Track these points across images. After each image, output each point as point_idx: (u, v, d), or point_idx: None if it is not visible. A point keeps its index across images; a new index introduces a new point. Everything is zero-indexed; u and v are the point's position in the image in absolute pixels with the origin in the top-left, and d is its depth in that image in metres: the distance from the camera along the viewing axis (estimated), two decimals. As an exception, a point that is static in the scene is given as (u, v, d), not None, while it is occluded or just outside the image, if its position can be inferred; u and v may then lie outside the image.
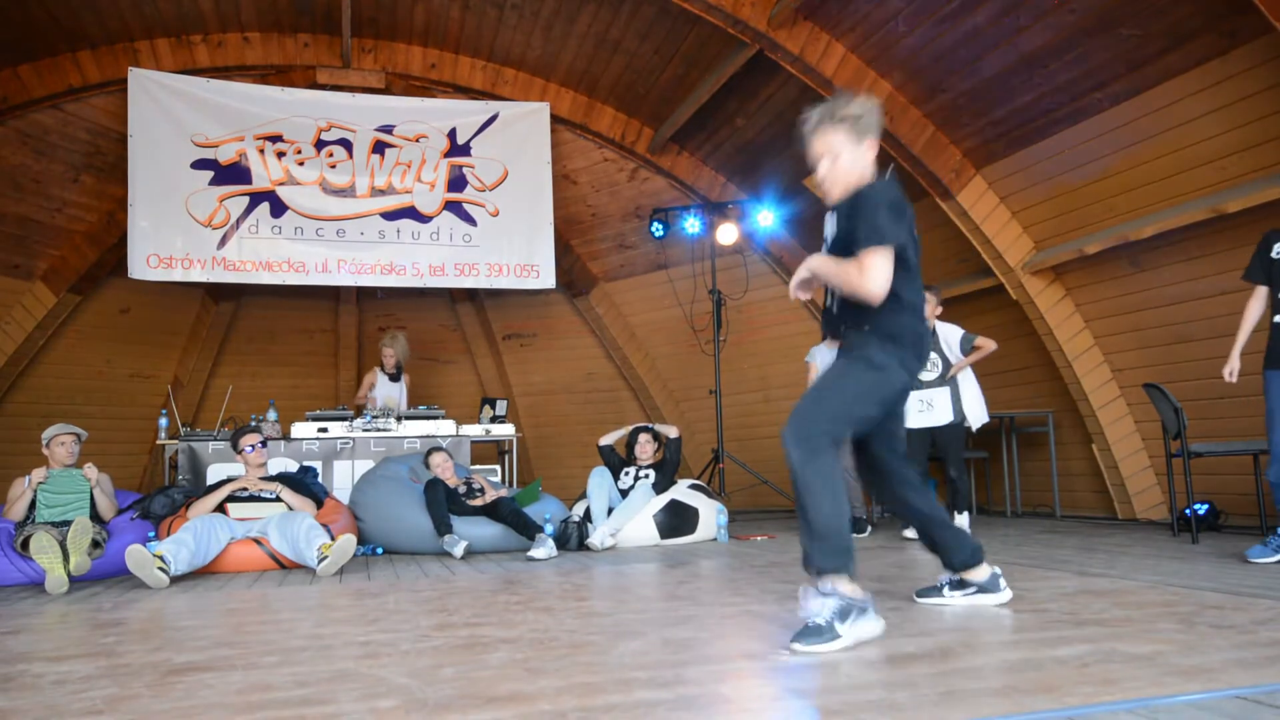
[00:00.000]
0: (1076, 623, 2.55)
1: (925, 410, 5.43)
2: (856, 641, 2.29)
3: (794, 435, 2.44)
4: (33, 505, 4.66)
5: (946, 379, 5.45)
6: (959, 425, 5.48)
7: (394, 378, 7.55)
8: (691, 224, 8.08)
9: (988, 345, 5.56)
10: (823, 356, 6.21)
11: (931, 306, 5.57)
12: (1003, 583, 2.86)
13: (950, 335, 5.52)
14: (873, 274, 2.45)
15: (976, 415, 5.52)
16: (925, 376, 5.44)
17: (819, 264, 2.63)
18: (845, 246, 2.56)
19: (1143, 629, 2.43)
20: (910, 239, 2.57)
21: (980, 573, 2.84)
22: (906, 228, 2.55)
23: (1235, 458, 5.45)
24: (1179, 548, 4.55)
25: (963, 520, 5.31)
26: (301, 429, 6.69)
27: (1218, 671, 1.94)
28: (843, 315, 2.69)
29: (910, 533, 5.43)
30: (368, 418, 6.81)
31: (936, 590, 2.94)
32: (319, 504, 5.19)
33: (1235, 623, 2.47)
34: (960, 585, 2.87)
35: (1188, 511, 5.05)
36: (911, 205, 2.63)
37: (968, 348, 5.48)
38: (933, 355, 5.43)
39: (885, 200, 2.51)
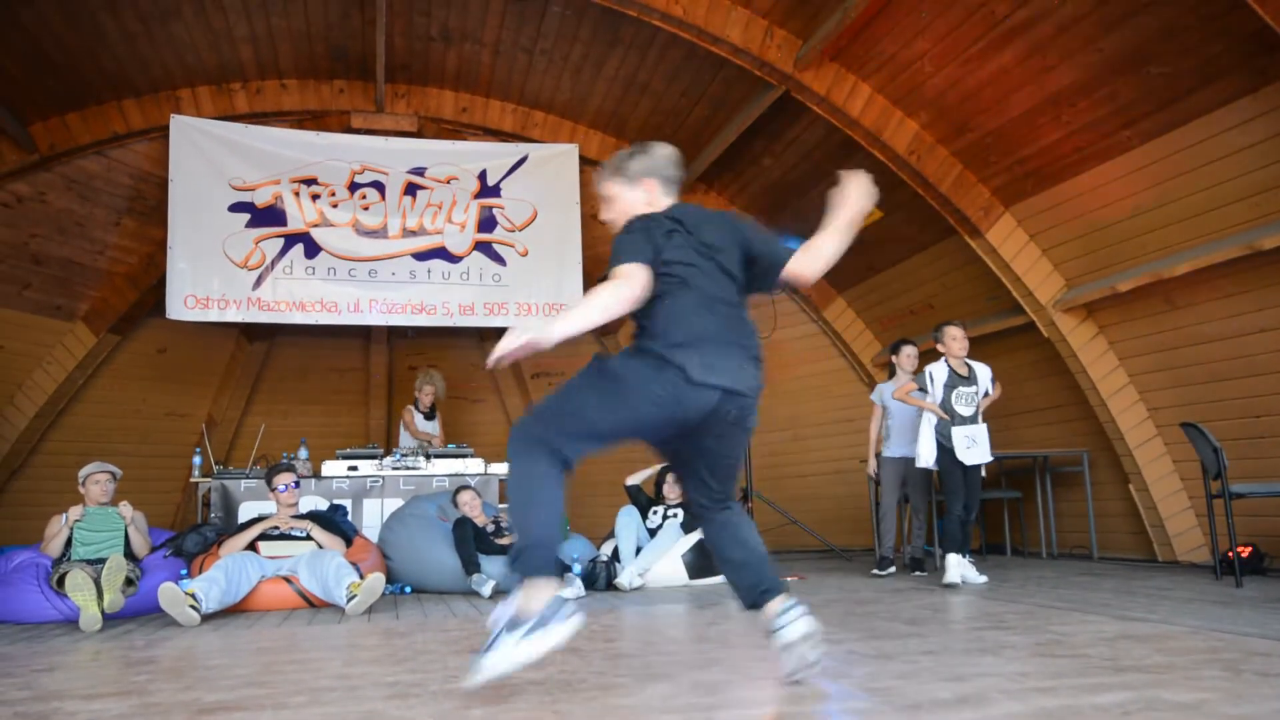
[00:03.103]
0: (1117, 669, 2.49)
1: (973, 446, 5.33)
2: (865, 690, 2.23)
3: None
4: (69, 542, 4.72)
5: (980, 417, 5.39)
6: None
7: (429, 416, 7.59)
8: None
9: (998, 389, 5.64)
10: (888, 394, 6.16)
11: (960, 342, 5.52)
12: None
13: (984, 373, 5.50)
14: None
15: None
16: (966, 411, 5.37)
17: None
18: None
19: (1186, 676, 2.36)
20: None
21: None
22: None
23: (1279, 499, 5.33)
24: (1222, 591, 4.43)
25: (956, 562, 5.14)
26: (332, 467, 6.73)
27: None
28: None
29: (951, 578, 5.26)
30: (398, 455, 6.84)
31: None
32: (348, 542, 5.21)
33: (1283, 670, 2.40)
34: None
35: (1230, 554, 4.93)
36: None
37: (994, 386, 5.54)
38: (974, 389, 5.39)
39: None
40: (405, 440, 7.57)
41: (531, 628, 2.16)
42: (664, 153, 2.70)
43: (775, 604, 2.31)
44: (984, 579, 5.13)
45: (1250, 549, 5.40)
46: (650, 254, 2.35)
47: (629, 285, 2.30)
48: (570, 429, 2.25)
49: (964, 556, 5.16)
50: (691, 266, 2.38)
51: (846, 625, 3.54)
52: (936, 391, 5.39)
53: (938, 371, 5.42)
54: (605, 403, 2.27)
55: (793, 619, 2.26)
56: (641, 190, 2.63)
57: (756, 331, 2.55)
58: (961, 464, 5.27)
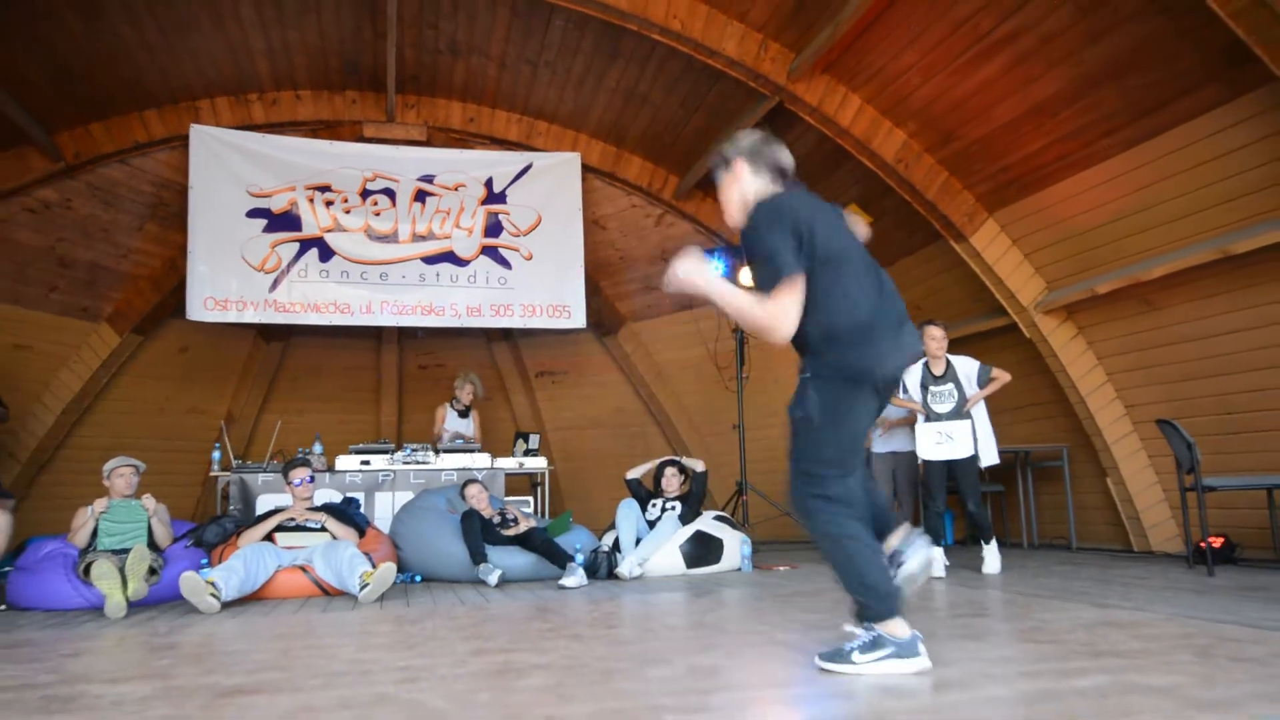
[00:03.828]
0: (1095, 654, 2.50)
1: (945, 442, 5.28)
2: (876, 675, 2.25)
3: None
4: (95, 533, 4.72)
5: (964, 412, 5.35)
6: (975, 459, 5.35)
7: (463, 414, 7.58)
8: (715, 266, 8.12)
9: (1003, 377, 5.45)
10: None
11: (938, 342, 5.48)
12: (922, 648, 2.31)
13: (967, 368, 5.44)
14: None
15: (986, 455, 5.38)
16: (941, 409, 5.34)
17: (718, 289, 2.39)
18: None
19: (1161, 661, 2.37)
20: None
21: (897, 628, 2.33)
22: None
23: (1249, 492, 5.33)
24: (1195, 580, 4.44)
25: (990, 550, 5.18)
26: (345, 461, 6.74)
27: (1237, 704, 1.89)
28: None
29: (989, 568, 5.24)
30: (408, 451, 6.83)
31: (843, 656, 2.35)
32: (361, 533, 5.22)
33: (1254, 656, 2.41)
34: (874, 646, 2.32)
35: (1203, 545, 4.93)
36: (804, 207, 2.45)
37: (984, 379, 5.39)
38: (949, 387, 5.35)
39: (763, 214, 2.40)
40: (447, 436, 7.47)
41: (891, 654, 2.30)
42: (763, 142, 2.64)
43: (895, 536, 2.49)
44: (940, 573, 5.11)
45: (1222, 539, 5.41)
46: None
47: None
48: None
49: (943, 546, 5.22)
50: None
51: (838, 612, 3.54)
52: (914, 393, 5.40)
53: (910, 374, 5.41)
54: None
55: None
56: (748, 173, 2.61)
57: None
58: (947, 461, 5.26)
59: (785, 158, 2.62)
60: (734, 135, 2.66)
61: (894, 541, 2.49)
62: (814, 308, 2.36)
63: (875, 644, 2.30)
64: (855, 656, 2.31)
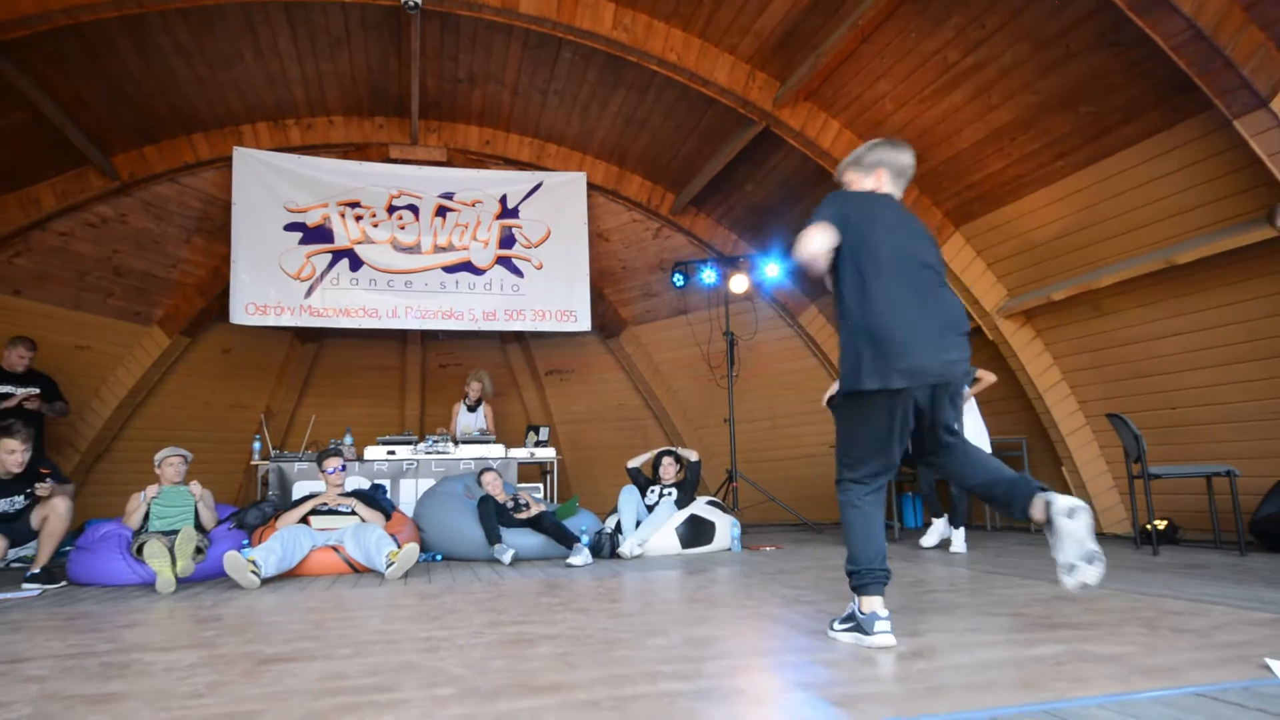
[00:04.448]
0: (1051, 626, 2.50)
1: None
2: (845, 643, 2.31)
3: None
4: (146, 516, 4.72)
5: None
6: None
7: (472, 409, 7.59)
8: (708, 275, 8.11)
9: (988, 377, 5.50)
10: None
11: None
12: (882, 626, 2.26)
13: None
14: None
15: (977, 441, 5.42)
16: None
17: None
18: None
19: (1110, 632, 2.37)
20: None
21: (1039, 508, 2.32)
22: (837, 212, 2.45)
23: (1190, 480, 5.34)
24: (1141, 559, 4.44)
25: (958, 534, 5.21)
26: (373, 451, 6.74)
27: (1178, 671, 1.89)
28: None
29: (926, 541, 5.34)
30: (430, 442, 6.84)
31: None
32: (388, 517, 5.21)
33: (1194, 627, 2.41)
34: (847, 618, 2.37)
35: (1149, 527, 4.94)
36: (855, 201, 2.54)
37: (970, 378, 5.45)
38: None
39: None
40: (459, 430, 7.50)
41: (852, 627, 2.33)
42: (898, 147, 2.64)
43: (1038, 505, 2.32)
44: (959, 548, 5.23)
45: (1166, 522, 5.42)
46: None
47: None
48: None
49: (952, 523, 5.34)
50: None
51: (818, 589, 3.55)
52: None
53: None
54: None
55: (1059, 509, 2.26)
56: (873, 179, 2.61)
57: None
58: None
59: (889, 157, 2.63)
60: (874, 145, 2.66)
61: (1037, 515, 2.31)
62: (842, 305, 2.43)
63: (848, 616, 2.37)
64: (834, 625, 2.42)
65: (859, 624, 2.30)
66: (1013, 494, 2.36)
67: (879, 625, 2.25)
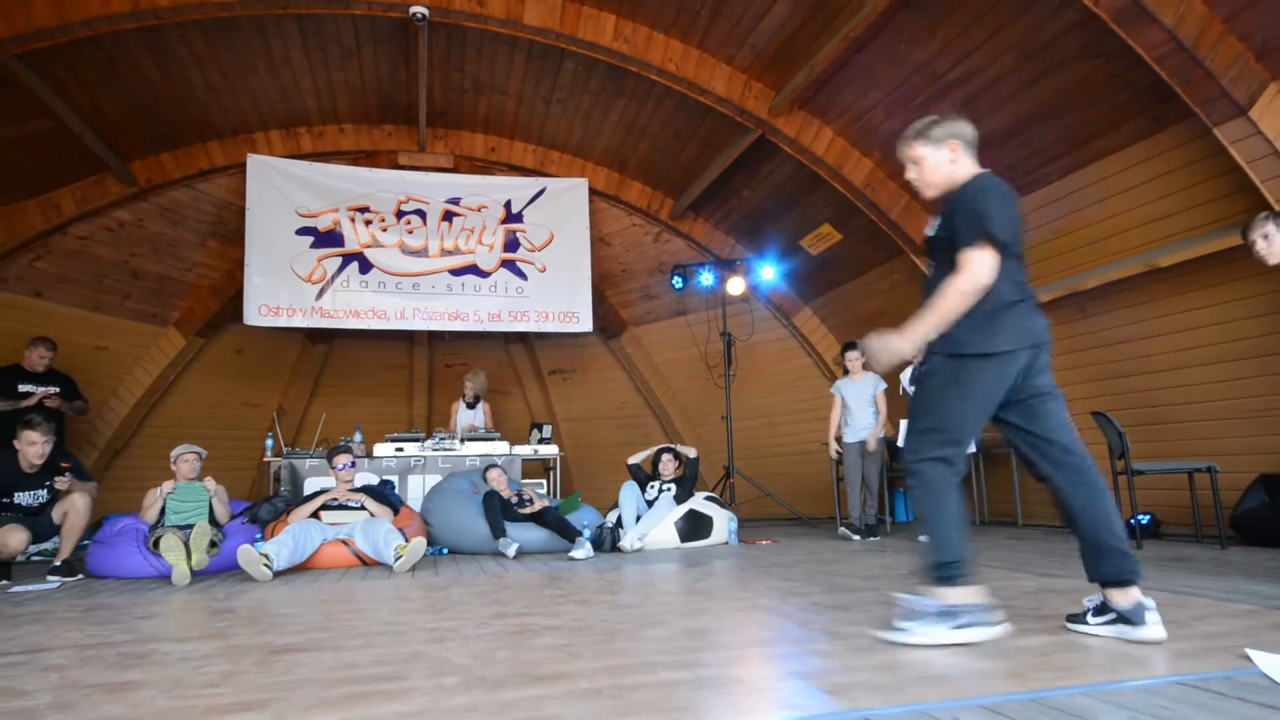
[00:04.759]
0: (1039, 617, 2.49)
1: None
2: (938, 642, 2.10)
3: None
4: (163, 511, 4.72)
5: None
6: None
7: (471, 406, 7.59)
8: (706, 278, 8.11)
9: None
10: (844, 388, 6.13)
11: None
12: (1149, 616, 2.09)
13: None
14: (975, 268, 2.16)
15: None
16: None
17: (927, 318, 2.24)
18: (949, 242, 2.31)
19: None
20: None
21: (1124, 597, 2.14)
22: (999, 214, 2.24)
23: (1172, 476, 5.33)
24: (1125, 553, 4.43)
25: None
26: (382, 448, 6.73)
27: (1162, 661, 1.89)
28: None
29: (925, 538, 5.33)
30: (437, 439, 6.84)
31: (1080, 617, 2.26)
32: (396, 511, 5.21)
33: (1176, 618, 2.40)
34: (1102, 611, 2.20)
35: (1132, 521, 4.93)
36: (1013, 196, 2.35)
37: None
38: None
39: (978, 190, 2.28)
40: (460, 427, 7.50)
41: (964, 623, 2.12)
42: (962, 121, 2.47)
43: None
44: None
45: (1149, 517, 5.41)
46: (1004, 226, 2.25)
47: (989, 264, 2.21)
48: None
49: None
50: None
51: (812, 580, 3.55)
52: (910, 389, 5.66)
53: (906, 373, 5.58)
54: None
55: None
56: (946, 150, 2.43)
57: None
58: None
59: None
60: (939, 120, 2.45)
61: (1120, 602, 2.14)
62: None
63: (941, 613, 2.14)
64: (914, 627, 2.14)
65: (969, 620, 2.11)
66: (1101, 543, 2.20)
67: (994, 614, 2.13)
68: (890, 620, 2.25)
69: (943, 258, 2.34)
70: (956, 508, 2.22)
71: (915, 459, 2.26)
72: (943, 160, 2.43)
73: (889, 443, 6.43)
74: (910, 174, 2.52)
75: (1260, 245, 3.35)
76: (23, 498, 4.52)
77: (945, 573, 2.17)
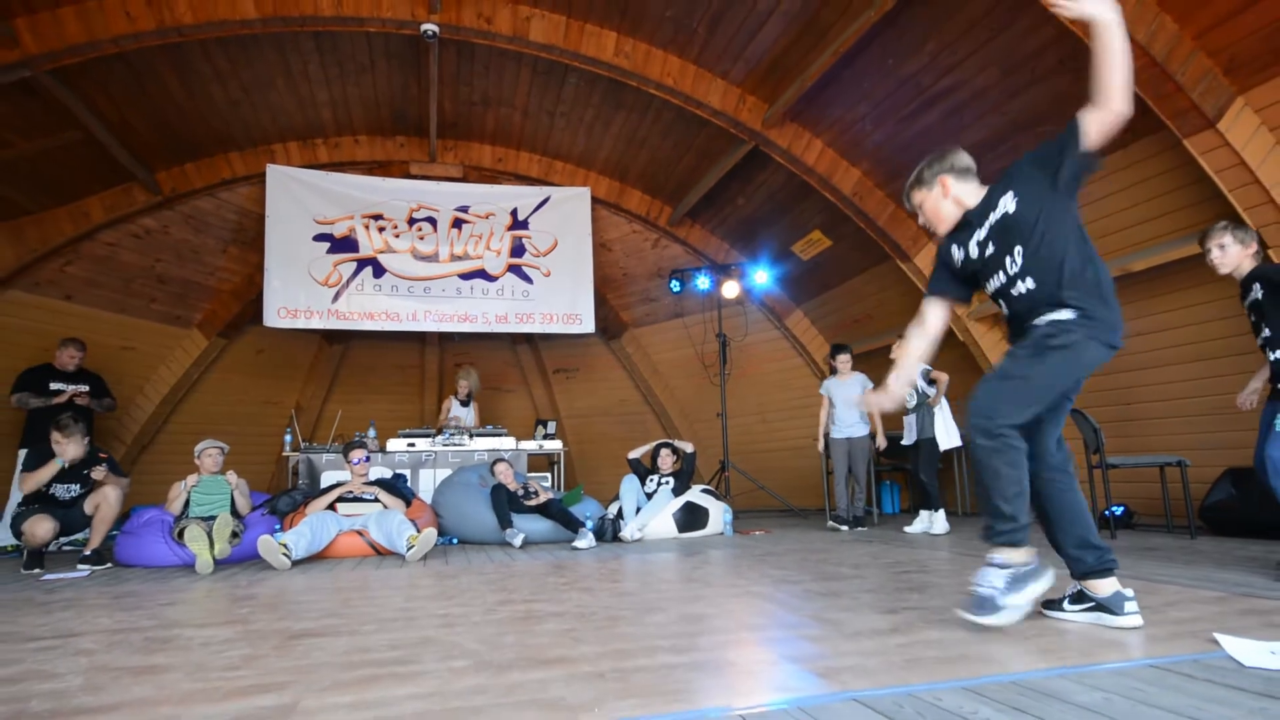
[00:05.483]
0: (1017, 603, 2.49)
1: (909, 429, 5.67)
2: (1025, 606, 2.08)
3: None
4: (187, 503, 4.72)
5: (927, 407, 5.57)
6: (931, 441, 5.46)
7: (464, 403, 7.60)
8: (702, 281, 8.11)
9: (943, 378, 5.57)
10: (833, 388, 6.14)
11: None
12: (1128, 605, 2.10)
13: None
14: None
15: (949, 438, 5.46)
16: (909, 404, 5.63)
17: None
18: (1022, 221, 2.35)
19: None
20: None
21: (1104, 587, 2.15)
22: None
23: (1145, 469, 5.33)
24: (1100, 542, 4.44)
25: (939, 516, 5.28)
26: (395, 444, 6.74)
27: (1134, 645, 1.89)
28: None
29: (911, 529, 5.36)
30: (447, 435, 6.84)
31: (1057, 604, 2.27)
32: (408, 503, 5.21)
33: (1148, 604, 2.41)
34: (1080, 599, 2.21)
35: (1107, 513, 4.93)
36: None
37: (925, 377, 5.55)
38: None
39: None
40: (452, 423, 7.53)
41: (1027, 577, 2.09)
42: (950, 151, 2.49)
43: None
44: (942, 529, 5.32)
45: (1122, 508, 5.41)
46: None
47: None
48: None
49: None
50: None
51: (803, 569, 3.55)
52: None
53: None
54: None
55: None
56: (939, 188, 2.46)
57: None
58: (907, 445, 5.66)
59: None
60: (929, 162, 2.49)
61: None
62: (1088, 264, 2.32)
63: (1015, 579, 2.08)
64: (1003, 600, 2.08)
65: (1028, 575, 2.08)
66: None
67: (1048, 571, 2.11)
68: (875, 604, 2.24)
69: None
70: (1026, 475, 2.15)
71: (1006, 424, 2.08)
72: (938, 199, 2.50)
73: (888, 438, 6.45)
74: (920, 220, 2.59)
75: (1215, 254, 3.33)
76: (58, 490, 4.53)
77: (1014, 537, 2.12)
